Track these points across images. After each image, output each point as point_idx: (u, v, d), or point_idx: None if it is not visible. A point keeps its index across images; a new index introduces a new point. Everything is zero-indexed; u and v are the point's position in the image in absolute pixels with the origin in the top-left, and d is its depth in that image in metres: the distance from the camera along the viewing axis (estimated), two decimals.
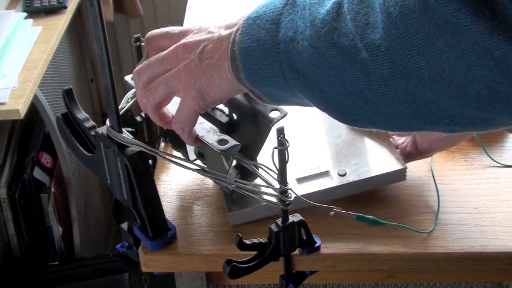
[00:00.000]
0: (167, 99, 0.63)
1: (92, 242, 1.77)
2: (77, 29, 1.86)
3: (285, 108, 0.66)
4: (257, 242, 0.65)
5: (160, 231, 0.71)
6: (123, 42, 2.10)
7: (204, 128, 0.66)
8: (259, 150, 0.67)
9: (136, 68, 0.63)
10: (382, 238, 0.71)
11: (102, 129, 0.68)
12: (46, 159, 1.53)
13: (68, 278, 1.50)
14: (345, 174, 0.74)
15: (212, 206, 0.76)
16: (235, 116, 0.68)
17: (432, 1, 0.41)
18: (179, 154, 0.79)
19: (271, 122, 0.65)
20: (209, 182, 0.80)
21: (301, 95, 0.53)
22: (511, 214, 0.74)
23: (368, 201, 0.75)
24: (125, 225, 0.78)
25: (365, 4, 0.47)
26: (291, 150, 0.60)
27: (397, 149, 0.78)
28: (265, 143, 0.67)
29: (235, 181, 0.65)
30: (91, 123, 0.72)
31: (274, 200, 0.63)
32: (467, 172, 0.80)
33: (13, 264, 1.47)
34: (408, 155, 0.77)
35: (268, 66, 0.53)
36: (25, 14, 1.43)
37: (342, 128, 0.80)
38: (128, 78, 0.73)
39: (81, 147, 0.74)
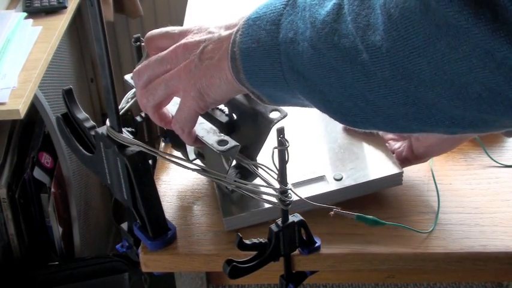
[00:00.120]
0: (167, 100, 0.63)
1: (92, 242, 1.77)
2: (77, 29, 1.86)
3: (285, 108, 0.66)
4: (257, 242, 0.65)
5: (160, 231, 0.71)
6: (123, 42, 2.10)
7: (203, 129, 0.66)
8: (259, 150, 0.67)
9: (136, 68, 0.63)
10: (382, 238, 0.71)
11: (102, 129, 0.69)
12: (46, 159, 1.53)
13: (68, 278, 1.50)
14: (341, 179, 0.73)
15: (212, 206, 0.76)
16: (235, 116, 0.68)
17: (433, 3, 0.41)
18: (179, 154, 0.79)
19: (271, 123, 0.65)
20: (209, 182, 0.80)
21: (301, 96, 0.53)
22: (511, 214, 0.74)
23: (368, 201, 0.75)
24: (124, 225, 0.78)
25: (365, 5, 0.47)
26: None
27: (393, 153, 0.78)
28: (265, 144, 0.67)
29: (235, 181, 0.65)
30: (91, 123, 0.72)
31: (274, 200, 0.63)
32: (467, 172, 0.80)
33: (13, 264, 1.47)
34: (404, 160, 0.77)
35: (269, 67, 0.53)
36: (25, 14, 1.43)
37: (337, 132, 0.80)
38: (128, 77, 0.73)
39: (81, 147, 0.74)
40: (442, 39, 0.41)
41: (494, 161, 0.81)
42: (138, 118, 0.79)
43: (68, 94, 0.72)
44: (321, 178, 0.74)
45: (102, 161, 0.70)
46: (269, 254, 0.66)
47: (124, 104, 0.74)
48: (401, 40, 0.44)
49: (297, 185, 0.73)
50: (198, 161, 0.76)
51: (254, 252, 0.66)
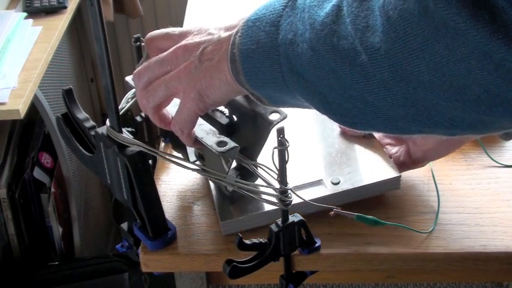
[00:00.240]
0: (167, 101, 0.63)
1: (92, 242, 1.77)
2: (77, 29, 1.86)
3: (285, 110, 0.65)
4: (257, 242, 0.65)
5: (160, 231, 0.71)
6: (123, 42, 2.10)
7: (203, 130, 0.66)
8: (259, 152, 0.67)
9: (137, 70, 0.63)
10: (382, 238, 0.71)
11: (102, 129, 0.69)
12: (46, 159, 1.53)
13: (68, 278, 1.50)
14: (338, 183, 0.73)
15: (212, 206, 0.76)
16: (235, 118, 0.68)
17: (431, 5, 0.41)
18: (179, 155, 0.79)
19: (270, 124, 0.65)
20: (207, 184, 0.80)
21: (300, 97, 0.53)
22: (511, 214, 0.74)
23: (368, 201, 0.75)
24: (124, 225, 0.78)
25: (364, 7, 0.47)
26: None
27: (391, 158, 0.77)
28: (264, 145, 0.67)
29: (235, 181, 0.65)
30: (91, 123, 0.72)
31: (274, 200, 0.63)
32: (467, 172, 0.80)
33: (13, 264, 1.47)
34: (402, 165, 0.77)
35: (268, 68, 0.53)
36: (25, 14, 1.43)
37: (335, 137, 0.80)
38: (129, 78, 0.73)
39: (81, 147, 0.74)
40: (440, 41, 0.41)
41: (494, 161, 0.81)
42: (138, 118, 0.79)
43: (68, 94, 0.72)
44: (318, 182, 0.74)
45: (102, 161, 0.70)
46: (269, 254, 0.66)
47: (124, 104, 0.74)
48: (400, 42, 0.44)
49: (295, 189, 0.73)
50: (198, 163, 0.76)
51: (254, 252, 0.66)
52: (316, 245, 0.70)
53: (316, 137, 0.81)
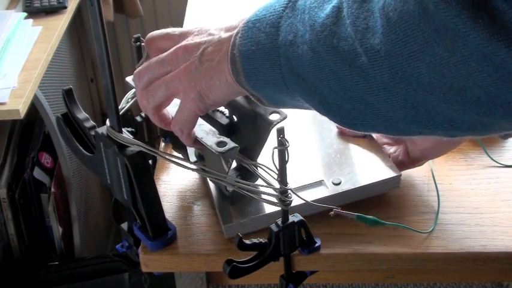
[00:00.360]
0: (167, 101, 0.63)
1: (92, 242, 1.77)
2: (77, 29, 1.86)
3: (285, 110, 0.66)
4: (257, 242, 0.66)
5: (160, 231, 0.71)
6: (123, 42, 2.10)
7: (203, 130, 0.66)
8: (259, 152, 0.67)
9: (137, 70, 0.63)
10: (382, 238, 0.71)
11: (102, 129, 0.69)
12: (46, 159, 1.53)
13: (68, 278, 1.50)
14: (339, 183, 0.73)
15: (212, 206, 0.76)
16: (235, 118, 0.68)
17: (431, 7, 0.41)
18: (179, 155, 0.79)
19: (270, 125, 0.65)
20: (207, 186, 0.80)
21: (300, 98, 0.53)
22: (511, 214, 0.74)
23: (368, 201, 0.75)
24: (124, 225, 0.78)
25: (364, 9, 0.46)
26: None
27: (389, 158, 0.78)
28: (264, 145, 0.67)
29: (236, 181, 0.65)
30: (91, 123, 0.72)
31: (274, 200, 0.63)
32: (467, 172, 0.80)
33: (13, 264, 1.47)
34: (401, 164, 0.77)
35: (268, 69, 0.53)
36: (25, 14, 1.43)
37: (332, 138, 0.80)
38: (129, 79, 0.73)
39: (81, 147, 0.74)
40: (440, 43, 0.41)
41: (494, 161, 0.81)
42: (138, 118, 0.79)
43: (68, 94, 0.72)
44: (319, 183, 0.74)
45: (102, 161, 0.70)
46: (269, 254, 0.66)
47: (124, 104, 0.74)
48: (400, 43, 0.44)
49: (296, 190, 0.73)
50: (198, 163, 0.76)
51: (254, 252, 0.66)
52: (316, 245, 0.70)
53: (314, 138, 0.81)
